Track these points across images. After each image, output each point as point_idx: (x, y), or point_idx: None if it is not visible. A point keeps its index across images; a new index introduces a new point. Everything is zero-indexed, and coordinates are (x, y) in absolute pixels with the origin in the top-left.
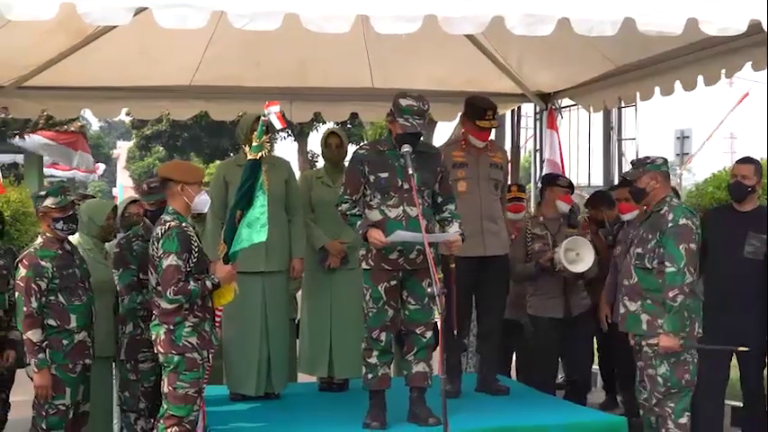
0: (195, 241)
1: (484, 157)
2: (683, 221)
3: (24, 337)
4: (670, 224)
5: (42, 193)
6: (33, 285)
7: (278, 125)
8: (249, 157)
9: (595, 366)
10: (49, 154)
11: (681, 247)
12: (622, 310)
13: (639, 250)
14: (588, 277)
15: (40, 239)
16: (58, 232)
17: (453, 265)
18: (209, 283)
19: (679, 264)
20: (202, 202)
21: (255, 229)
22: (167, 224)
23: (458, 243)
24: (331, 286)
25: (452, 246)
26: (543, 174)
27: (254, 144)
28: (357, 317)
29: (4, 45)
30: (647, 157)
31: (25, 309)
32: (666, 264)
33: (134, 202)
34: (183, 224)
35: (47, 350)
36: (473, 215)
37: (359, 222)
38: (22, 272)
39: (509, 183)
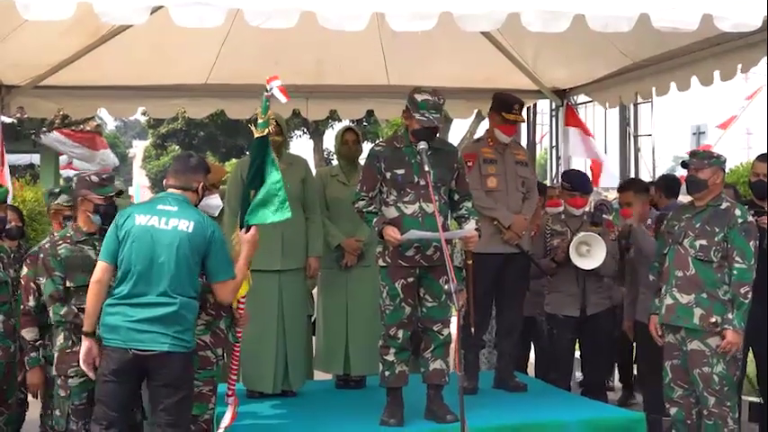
0: None
1: (509, 154)
2: (749, 218)
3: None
4: (740, 219)
5: (56, 190)
6: (32, 284)
7: (282, 99)
8: (256, 134)
9: None
10: (68, 152)
11: (750, 243)
12: (670, 302)
13: (703, 242)
14: (604, 275)
15: (47, 239)
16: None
17: (470, 262)
18: None
19: (750, 260)
20: (209, 205)
21: (275, 206)
22: None
23: (474, 239)
24: (347, 284)
25: (469, 242)
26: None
27: (259, 121)
28: (373, 314)
29: (20, 45)
30: (712, 152)
31: (22, 307)
32: (737, 259)
33: None
34: None
35: (41, 349)
36: None
37: (375, 219)
38: (24, 270)
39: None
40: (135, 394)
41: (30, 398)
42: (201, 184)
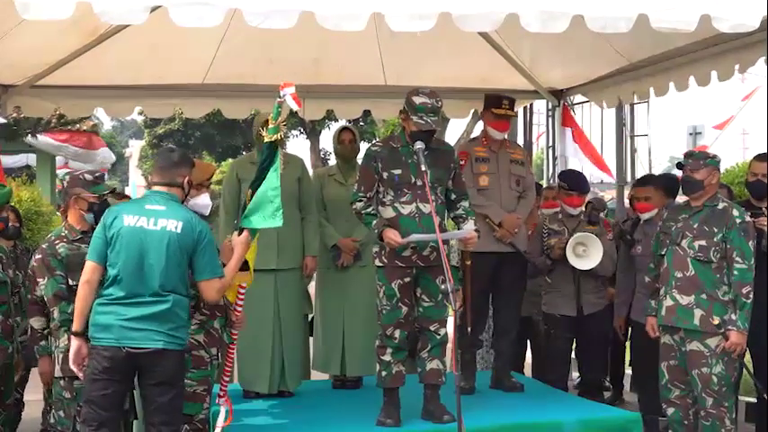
0: None
1: (504, 153)
2: (747, 218)
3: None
4: (738, 219)
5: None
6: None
7: (294, 106)
8: (266, 139)
9: None
10: (66, 155)
11: (750, 243)
12: (669, 303)
13: (702, 243)
14: (601, 275)
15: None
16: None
17: (469, 262)
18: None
19: (750, 260)
20: (197, 205)
21: (269, 212)
22: None
23: (473, 240)
24: (344, 284)
25: (468, 243)
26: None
27: (270, 126)
28: (370, 315)
29: (18, 44)
30: (707, 153)
31: (30, 296)
32: (737, 259)
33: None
34: None
35: (48, 338)
36: None
37: (374, 222)
38: (32, 262)
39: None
40: (125, 394)
41: (26, 397)
42: (187, 178)
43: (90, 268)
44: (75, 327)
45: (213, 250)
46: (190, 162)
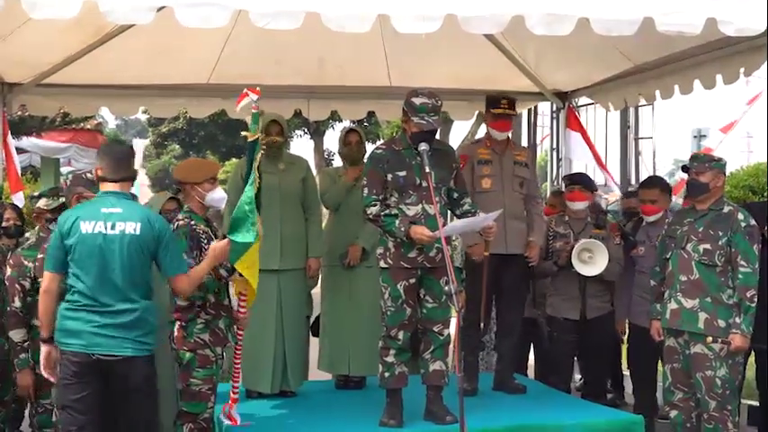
0: (205, 238)
1: (508, 154)
2: (752, 222)
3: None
4: (743, 223)
5: (36, 194)
6: (17, 285)
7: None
8: (249, 138)
9: None
10: (70, 156)
11: (755, 247)
12: (674, 306)
13: (707, 246)
14: (608, 280)
15: (32, 239)
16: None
17: (487, 253)
18: (223, 272)
19: (754, 264)
20: (214, 199)
21: (246, 228)
22: (176, 223)
23: (493, 229)
24: (350, 284)
25: (489, 233)
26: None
27: (250, 125)
28: (376, 315)
29: (23, 43)
30: (713, 156)
31: (9, 308)
32: (741, 263)
33: (171, 199)
34: (192, 222)
35: (29, 350)
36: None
37: (397, 222)
38: (8, 271)
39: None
40: (101, 396)
41: None
42: (133, 167)
43: (48, 278)
44: (43, 333)
45: (176, 247)
46: (133, 151)
